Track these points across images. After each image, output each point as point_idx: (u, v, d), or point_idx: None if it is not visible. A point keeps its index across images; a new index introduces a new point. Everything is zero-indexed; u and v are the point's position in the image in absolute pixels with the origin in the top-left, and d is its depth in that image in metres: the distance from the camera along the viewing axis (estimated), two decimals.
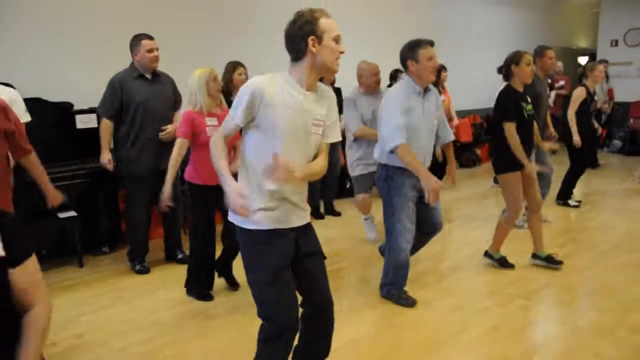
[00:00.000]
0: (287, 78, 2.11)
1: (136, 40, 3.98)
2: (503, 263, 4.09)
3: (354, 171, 4.59)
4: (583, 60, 11.18)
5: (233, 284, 3.82)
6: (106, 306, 3.60)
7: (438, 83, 5.79)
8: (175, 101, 4.24)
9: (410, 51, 3.22)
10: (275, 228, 2.13)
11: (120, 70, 4.05)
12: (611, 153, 9.10)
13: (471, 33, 8.97)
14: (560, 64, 6.88)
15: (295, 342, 2.23)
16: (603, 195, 6.36)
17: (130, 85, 3.97)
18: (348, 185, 6.15)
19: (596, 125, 5.90)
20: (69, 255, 4.38)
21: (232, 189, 1.98)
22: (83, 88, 4.70)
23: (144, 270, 4.19)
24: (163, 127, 4.03)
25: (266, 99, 2.03)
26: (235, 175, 2.16)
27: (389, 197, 3.38)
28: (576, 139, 5.50)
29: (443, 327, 3.22)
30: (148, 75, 4.05)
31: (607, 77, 9.21)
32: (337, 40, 2.08)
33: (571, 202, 5.87)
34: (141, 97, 3.97)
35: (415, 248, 3.62)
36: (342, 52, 2.10)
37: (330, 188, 5.82)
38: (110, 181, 4.47)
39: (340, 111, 3.97)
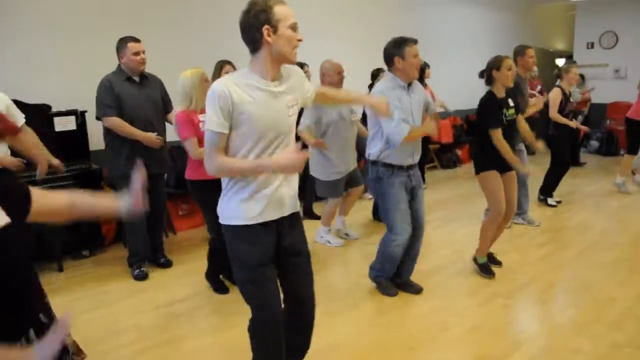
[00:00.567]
0: (248, 76, 2.02)
1: (122, 42, 3.91)
2: (485, 269, 3.99)
3: (330, 176, 4.49)
4: (560, 62, 11.34)
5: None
6: (86, 310, 3.56)
7: (422, 80, 5.84)
8: (165, 103, 4.19)
9: (397, 48, 3.28)
10: (257, 223, 2.11)
11: (104, 72, 3.96)
12: (589, 153, 9.25)
13: (450, 35, 9.06)
14: (535, 69, 6.95)
15: None
16: (581, 195, 6.47)
17: (118, 87, 3.89)
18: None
19: (576, 124, 5.98)
20: (48, 260, 4.32)
21: (277, 160, 1.98)
22: (61, 90, 4.65)
23: (142, 276, 4.08)
24: (159, 137, 3.97)
25: (237, 105, 1.96)
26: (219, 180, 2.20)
27: (382, 195, 3.46)
28: (574, 124, 5.81)
29: (425, 326, 3.24)
30: (136, 78, 3.99)
31: (582, 78, 9.38)
32: (293, 28, 1.97)
33: (550, 201, 5.96)
34: (129, 100, 3.90)
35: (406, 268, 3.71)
36: (299, 41, 2.00)
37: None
38: (89, 184, 4.41)
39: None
